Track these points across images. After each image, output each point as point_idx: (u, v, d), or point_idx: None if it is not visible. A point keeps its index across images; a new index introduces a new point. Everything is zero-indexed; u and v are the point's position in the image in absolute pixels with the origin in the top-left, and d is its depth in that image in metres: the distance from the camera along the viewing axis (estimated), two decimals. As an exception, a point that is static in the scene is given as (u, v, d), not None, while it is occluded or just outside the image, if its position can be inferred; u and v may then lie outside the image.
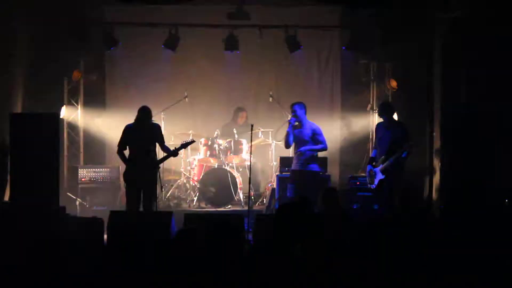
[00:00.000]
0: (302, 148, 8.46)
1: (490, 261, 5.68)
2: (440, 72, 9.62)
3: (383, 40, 9.96)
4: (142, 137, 8.10)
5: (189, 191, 10.39)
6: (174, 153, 8.24)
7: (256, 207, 10.08)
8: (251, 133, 8.75)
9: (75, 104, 10.57)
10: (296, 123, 8.49)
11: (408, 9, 9.45)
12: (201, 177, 10.14)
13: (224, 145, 10.28)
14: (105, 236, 7.73)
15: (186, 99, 10.35)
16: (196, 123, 10.75)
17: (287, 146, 8.72)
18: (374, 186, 8.63)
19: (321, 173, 8.95)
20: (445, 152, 9.38)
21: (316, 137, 8.45)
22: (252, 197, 9.65)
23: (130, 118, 8.26)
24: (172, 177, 10.63)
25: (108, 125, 10.31)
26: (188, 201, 10.25)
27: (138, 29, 10.33)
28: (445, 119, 9.40)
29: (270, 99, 10.31)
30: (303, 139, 8.48)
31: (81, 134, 10.69)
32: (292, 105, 8.54)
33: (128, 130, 8.16)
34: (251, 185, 8.89)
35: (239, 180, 10.09)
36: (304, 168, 8.48)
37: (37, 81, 9.79)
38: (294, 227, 4.26)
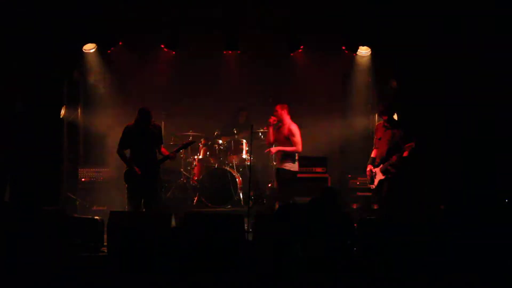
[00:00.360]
0: (276, 147, 8.93)
1: (490, 260, 5.68)
2: (442, 72, 9.62)
3: (383, 40, 9.91)
4: (142, 137, 8.09)
5: (189, 191, 10.39)
6: (172, 157, 8.25)
7: (256, 207, 10.08)
8: (251, 133, 8.78)
9: (75, 104, 10.54)
10: (277, 123, 8.92)
11: (408, 8, 9.44)
12: (201, 177, 10.14)
13: (224, 145, 10.28)
14: (105, 236, 7.73)
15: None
16: (196, 123, 10.74)
17: (268, 144, 9.18)
18: (374, 186, 8.64)
19: (299, 172, 9.10)
20: (445, 152, 9.38)
21: (291, 138, 8.79)
22: (252, 197, 9.64)
23: (130, 118, 8.25)
24: (172, 177, 10.62)
25: (108, 125, 10.29)
26: (188, 201, 10.24)
27: (138, 29, 10.30)
28: (446, 119, 9.39)
29: (270, 99, 10.32)
30: (280, 138, 8.91)
31: (81, 134, 10.67)
32: (275, 105, 8.98)
33: (128, 130, 8.16)
34: (251, 185, 8.91)
35: (239, 180, 10.09)
36: (281, 166, 8.88)
37: (37, 81, 9.76)
38: (294, 227, 4.27)
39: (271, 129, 8.97)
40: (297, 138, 8.78)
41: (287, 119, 8.91)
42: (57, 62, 9.91)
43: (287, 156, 8.81)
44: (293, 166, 8.81)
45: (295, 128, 8.82)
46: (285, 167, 8.81)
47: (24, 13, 9.36)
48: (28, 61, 9.67)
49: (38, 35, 9.61)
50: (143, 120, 8.05)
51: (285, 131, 8.84)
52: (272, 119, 8.90)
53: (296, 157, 8.86)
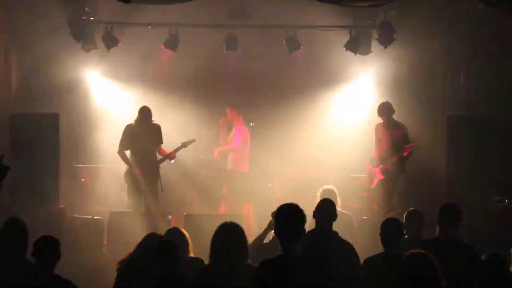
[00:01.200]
0: (217, 149, 9.41)
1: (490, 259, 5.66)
2: (442, 73, 9.65)
3: (383, 40, 9.90)
4: (143, 137, 8.11)
5: (189, 191, 10.37)
6: (172, 157, 8.29)
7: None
8: (251, 133, 8.81)
9: (76, 104, 10.53)
10: (227, 125, 9.44)
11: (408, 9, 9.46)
12: (200, 177, 10.15)
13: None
14: (105, 236, 7.74)
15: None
16: (196, 123, 10.72)
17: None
18: (374, 186, 8.65)
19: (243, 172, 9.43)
20: (446, 151, 9.38)
21: (232, 137, 9.21)
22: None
23: (130, 118, 8.26)
24: (172, 177, 10.60)
25: (108, 125, 10.28)
26: (188, 201, 10.23)
27: (138, 29, 10.29)
28: (447, 120, 9.40)
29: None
30: (228, 140, 9.39)
31: (81, 134, 10.65)
32: (227, 108, 9.45)
33: (128, 130, 8.17)
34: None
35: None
36: (227, 166, 9.32)
37: (37, 81, 9.77)
38: (293, 226, 4.27)
39: (222, 132, 9.45)
40: (236, 136, 9.18)
41: (237, 121, 9.29)
42: (58, 61, 9.93)
43: (235, 156, 9.22)
44: (237, 167, 9.16)
45: (238, 129, 9.23)
46: (228, 167, 9.24)
47: (25, 13, 9.37)
48: (28, 60, 9.69)
49: (38, 35, 9.63)
50: (144, 117, 8.07)
51: (231, 132, 9.29)
52: (222, 121, 9.36)
53: (243, 158, 9.21)
